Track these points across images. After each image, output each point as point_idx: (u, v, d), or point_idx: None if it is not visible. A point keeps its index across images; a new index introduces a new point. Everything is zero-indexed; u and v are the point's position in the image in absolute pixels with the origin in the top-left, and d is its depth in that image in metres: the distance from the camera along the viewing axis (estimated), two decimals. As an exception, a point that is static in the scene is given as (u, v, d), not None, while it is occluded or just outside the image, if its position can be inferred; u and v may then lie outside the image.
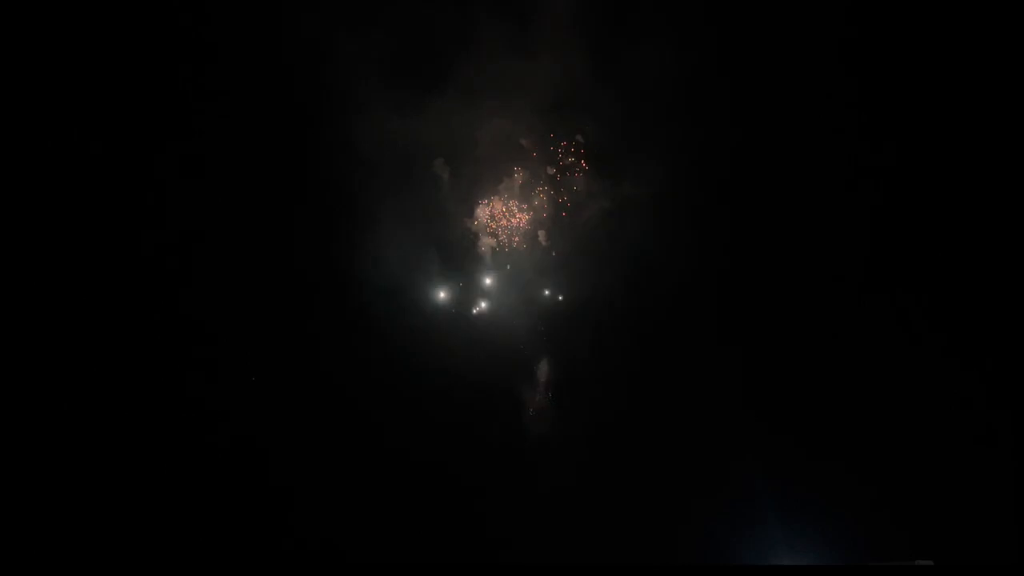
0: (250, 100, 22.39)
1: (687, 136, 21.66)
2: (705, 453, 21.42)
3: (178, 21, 21.55)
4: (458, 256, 23.34)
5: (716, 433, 21.60)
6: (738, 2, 21.30)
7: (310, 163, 22.76)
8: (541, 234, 23.20)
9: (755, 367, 21.80)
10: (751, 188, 21.81)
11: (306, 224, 22.91)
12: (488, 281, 23.47)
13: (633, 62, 21.80)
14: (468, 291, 23.40)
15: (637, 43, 21.71)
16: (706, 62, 21.27)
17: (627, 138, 22.33)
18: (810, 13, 20.88)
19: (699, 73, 21.26)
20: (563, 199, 23.03)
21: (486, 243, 23.37)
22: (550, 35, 21.98)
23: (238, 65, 22.02)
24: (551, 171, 22.98)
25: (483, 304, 23.43)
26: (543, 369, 23.34)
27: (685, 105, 21.65)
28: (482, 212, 23.27)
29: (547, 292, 23.23)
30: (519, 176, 23.09)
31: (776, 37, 21.17)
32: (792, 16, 20.93)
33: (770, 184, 21.69)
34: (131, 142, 21.49)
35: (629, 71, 21.91)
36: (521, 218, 23.19)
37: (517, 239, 23.27)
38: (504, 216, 23.22)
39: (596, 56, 22.01)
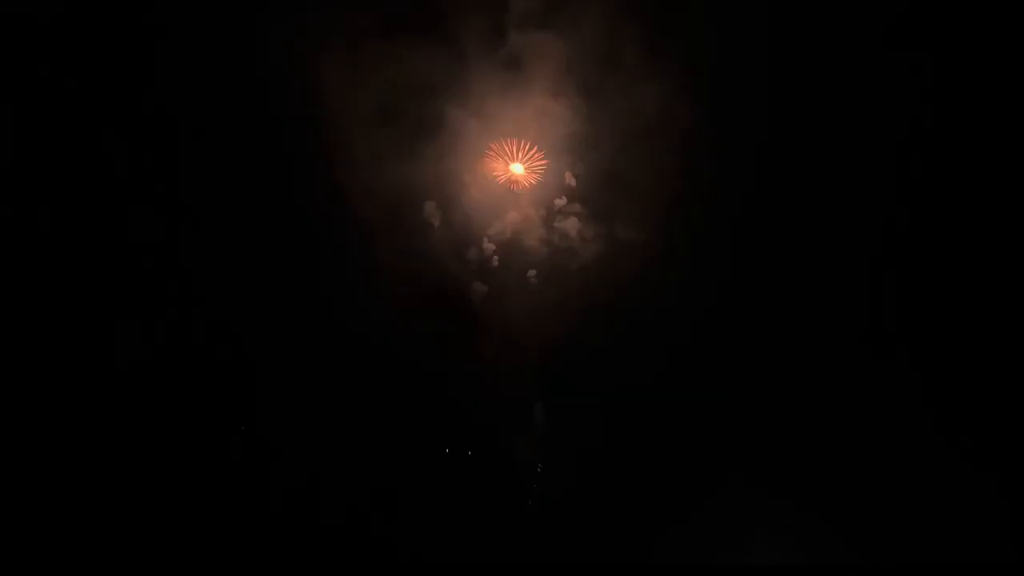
0: (234, 147, 22.36)
1: (681, 181, 21.96)
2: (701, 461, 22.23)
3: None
4: (448, 302, 23.23)
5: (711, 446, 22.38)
6: (731, 47, 21.48)
7: (295, 212, 22.71)
8: (532, 275, 23.18)
9: (746, 401, 22.32)
10: (750, 234, 22.09)
11: (291, 276, 22.93)
12: (479, 327, 23.24)
13: (626, 105, 22.13)
14: (459, 337, 23.18)
15: (630, 86, 21.98)
16: (700, 104, 21.56)
17: (619, 181, 22.51)
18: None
19: (693, 115, 21.57)
20: (554, 242, 23.05)
21: (477, 288, 23.26)
22: (542, 78, 22.14)
23: (220, 110, 22.01)
24: (541, 213, 23.04)
25: (474, 348, 23.14)
26: (535, 415, 23.31)
27: (678, 148, 21.91)
28: (472, 256, 23.18)
29: (539, 337, 23.02)
30: (510, 219, 23.09)
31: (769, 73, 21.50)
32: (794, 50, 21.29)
33: (770, 231, 22.01)
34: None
35: (622, 114, 22.21)
36: (511, 261, 23.11)
37: (508, 283, 23.20)
38: (495, 259, 23.10)
39: (588, 98, 22.21)
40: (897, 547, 20.72)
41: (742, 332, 22.30)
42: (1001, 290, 21.12)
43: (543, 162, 22.68)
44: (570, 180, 22.60)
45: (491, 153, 22.70)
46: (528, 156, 22.65)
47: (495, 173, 22.88)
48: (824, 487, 21.41)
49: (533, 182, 22.89)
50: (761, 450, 21.99)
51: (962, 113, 20.92)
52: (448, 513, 22.47)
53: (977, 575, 20.40)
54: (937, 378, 21.35)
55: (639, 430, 22.58)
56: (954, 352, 21.51)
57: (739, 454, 22.14)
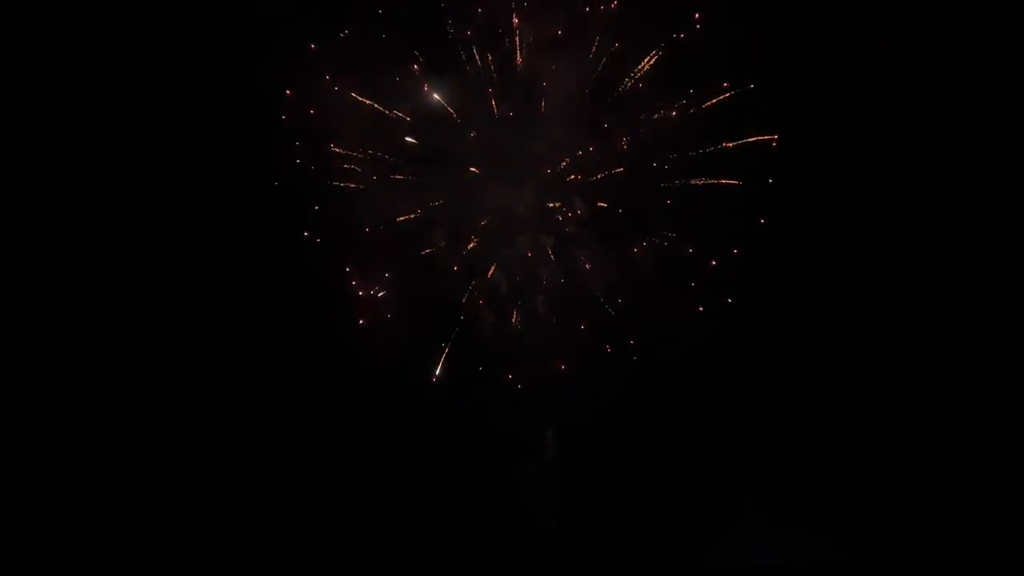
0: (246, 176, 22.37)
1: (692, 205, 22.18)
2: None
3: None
4: (456, 334, 22.82)
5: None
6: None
7: (301, 241, 22.35)
8: (540, 303, 22.87)
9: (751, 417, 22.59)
10: (765, 261, 22.20)
11: (299, 309, 22.72)
12: (486, 355, 22.85)
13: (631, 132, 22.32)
14: (465, 370, 22.80)
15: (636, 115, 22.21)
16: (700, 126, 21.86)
17: (630, 205, 22.49)
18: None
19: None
20: (563, 268, 22.74)
21: (484, 316, 22.85)
22: (550, 108, 22.10)
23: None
24: (550, 240, 22.75)
25: (481, 383, 22.73)
26: (546, 450, 23.10)
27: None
28: (479, 283, 22.75)
29: (548, 368, 22.66)
30: (517, 247, 22.75)
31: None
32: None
33: (784, 258, 22.22)
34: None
35: (628, 140, 22.34)
36: (520, 289, 22.73)
37: (516, 312, 22.88)
38: (502, 286, 22.73)
39: (595, 125, 22.25)
40: (896, 547, 21.53)
41: (744, 342, 22.58)
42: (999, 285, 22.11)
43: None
44: (580, 206, 22.49)
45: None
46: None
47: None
48: (823, 487, 21.85)
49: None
50: (763, 452, 22.32)
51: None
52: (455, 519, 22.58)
53: (977, 575, 21.31)
54: (936, 377, 22.27)
55: (643, 444, 22.67)
56: (953, 350, 22.45)
57: (742, 460, 22.46)
